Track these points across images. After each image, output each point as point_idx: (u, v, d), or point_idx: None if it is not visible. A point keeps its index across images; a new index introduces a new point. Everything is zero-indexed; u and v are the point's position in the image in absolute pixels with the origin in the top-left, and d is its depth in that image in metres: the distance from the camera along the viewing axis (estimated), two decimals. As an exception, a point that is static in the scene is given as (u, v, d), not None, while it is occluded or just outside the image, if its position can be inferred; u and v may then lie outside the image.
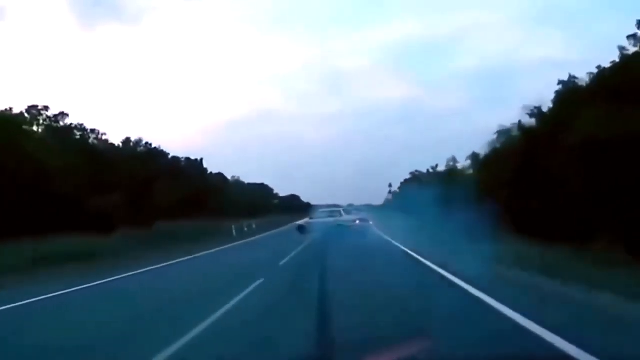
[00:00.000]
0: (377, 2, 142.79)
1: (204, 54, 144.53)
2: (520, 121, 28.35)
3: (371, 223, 45.80)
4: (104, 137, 47.70)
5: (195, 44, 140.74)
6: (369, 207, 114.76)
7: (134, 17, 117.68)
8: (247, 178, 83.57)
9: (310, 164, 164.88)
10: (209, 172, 68.55)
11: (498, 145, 31.99)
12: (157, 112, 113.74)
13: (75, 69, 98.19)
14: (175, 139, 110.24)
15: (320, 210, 36.67)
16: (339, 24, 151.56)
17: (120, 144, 54.48)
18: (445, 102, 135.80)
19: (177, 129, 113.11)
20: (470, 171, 43.11)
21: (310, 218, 35.22)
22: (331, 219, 33.75)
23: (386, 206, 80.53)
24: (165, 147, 59.31)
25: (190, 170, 58.46)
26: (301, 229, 34.31)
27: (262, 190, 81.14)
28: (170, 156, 59.40)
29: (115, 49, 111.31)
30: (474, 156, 39.20)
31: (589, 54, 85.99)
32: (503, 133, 30.90)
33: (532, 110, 29.01)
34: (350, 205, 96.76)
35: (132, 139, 54.87)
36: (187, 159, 64.44)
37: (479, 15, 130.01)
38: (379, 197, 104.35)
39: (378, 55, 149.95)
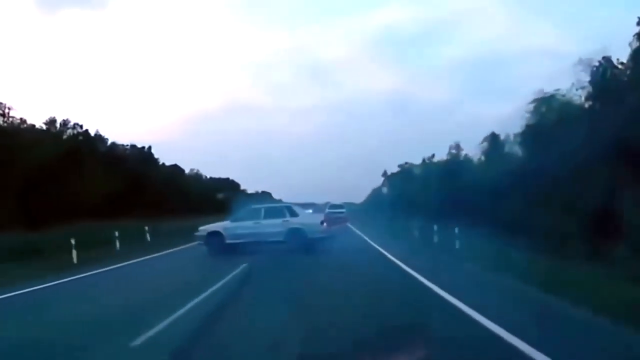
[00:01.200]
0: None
1: (171, 41, 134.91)
2: (597, 68, 18.88)
3: (348, 224, 35.13)
4: (11, 113, 36.81)
5: (162, 31, 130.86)
6: (348, 206, 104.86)
7: (97, 2, 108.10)
8: (213, 172, 73.55)
9: (286, 159, 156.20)
10: (161, 163, 58.38)
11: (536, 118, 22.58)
12: (120, 102, 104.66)
13: (36, 53, 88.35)
14: (139, 131, 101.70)
15: (254, 206, 19.90)
16: (319, 9, 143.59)
17: (43, 126, 43.97)
18: (433, 93, 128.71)
19: (143, 119, 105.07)
20: (482, 158, 33.68)
21: (234, 220, 19.31)
22: (275, 222, 18.57)
23: (370, 203, 70.90)
24: (107, 134, 49.21)
25: (132, 160, 48.04)
26: (212, 242, 18.75)
27: (226, 185, 70.92)
28: (109, 142, 49.09)
29: (80, 35, 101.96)
30: (492, 138, 29.66)
31: (583, 43, 79.27)
32: (545, 100, 21.49)
33: (599, 62, 19.57)
34: (327, 204, 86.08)
35: (59, 119, 44.34)
36: (133, 146, 54.16)
37: (466, 2, 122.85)
38: (360, 195, 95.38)
39: (360, 43, 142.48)
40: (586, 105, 20.80)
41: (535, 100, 23.12)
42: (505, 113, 78.55)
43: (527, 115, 22.80)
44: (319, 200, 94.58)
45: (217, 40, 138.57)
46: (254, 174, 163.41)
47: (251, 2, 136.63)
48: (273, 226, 18.33)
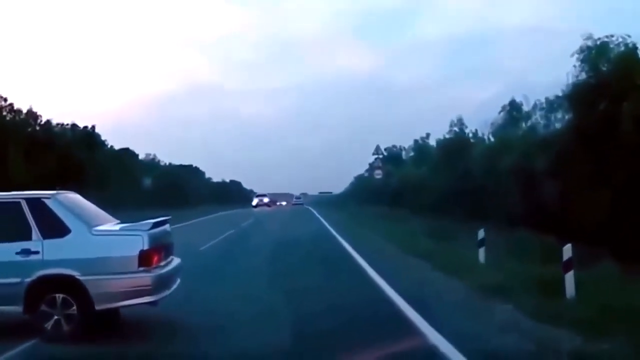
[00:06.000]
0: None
1: (121, 17, 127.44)
2: None
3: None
4: None
5: (113, 6, 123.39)
6: (325, 195, 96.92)
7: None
8: (174, 159, 65.67)
9: (258, 146, 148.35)
10: (109, 146, 50.83)
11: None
12: (70, 83, 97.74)
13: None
14: (95, 115, 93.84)
15: None
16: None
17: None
18: (412, 74, 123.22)
19: (99, 103, 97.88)
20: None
21: None
22: None
23: (350, 192, 63.93)
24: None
25: (69, 141, 40.61)
26: None
27: (186, 173, 63.01)
28: (43, 121, 41.49)
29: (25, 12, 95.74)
30: (511, 109, 23.02)
31: (564, 19, 76.05)
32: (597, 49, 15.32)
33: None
34: (302, 194, 78.63)
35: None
36: (74, 125, 46.57)
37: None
38: (343, 184, 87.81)
39: (334, 20, 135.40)
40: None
41: (583, 50, 17.08)
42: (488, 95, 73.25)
43: (578, 68, 16.64)
44: (295, 191, 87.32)
45: (173, 15, 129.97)
46: (221, 162, 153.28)
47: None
48: None
